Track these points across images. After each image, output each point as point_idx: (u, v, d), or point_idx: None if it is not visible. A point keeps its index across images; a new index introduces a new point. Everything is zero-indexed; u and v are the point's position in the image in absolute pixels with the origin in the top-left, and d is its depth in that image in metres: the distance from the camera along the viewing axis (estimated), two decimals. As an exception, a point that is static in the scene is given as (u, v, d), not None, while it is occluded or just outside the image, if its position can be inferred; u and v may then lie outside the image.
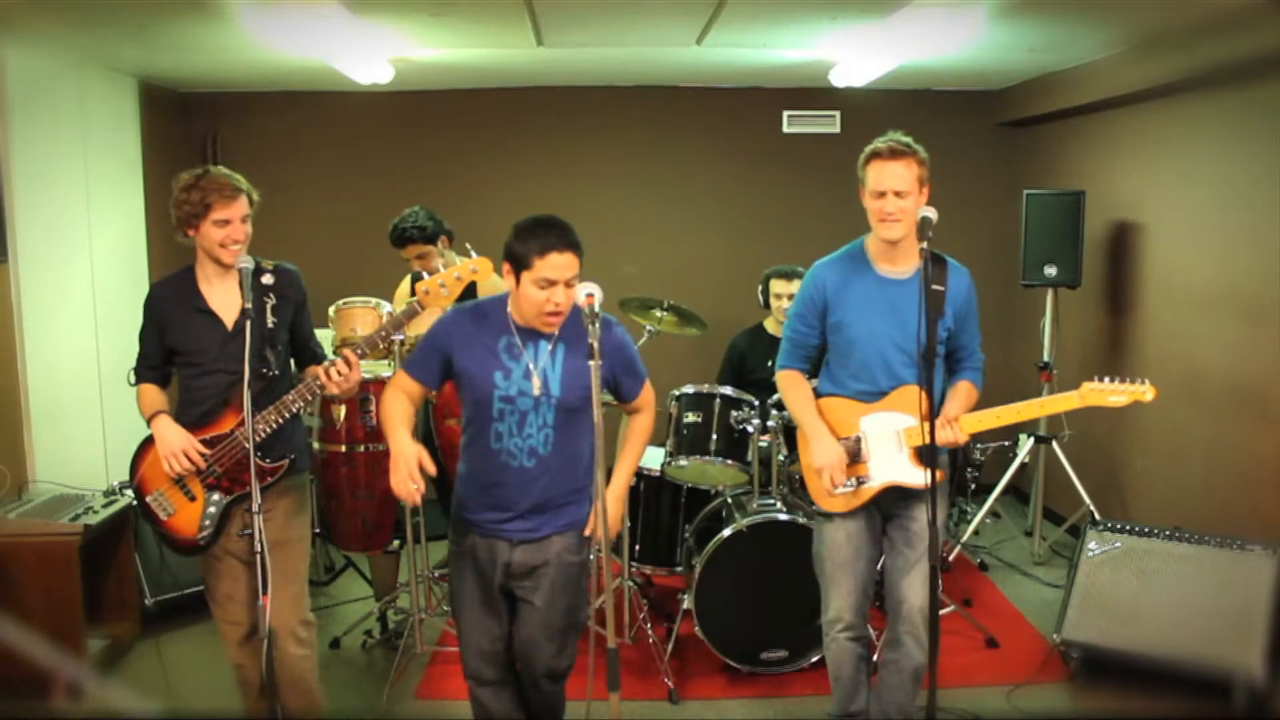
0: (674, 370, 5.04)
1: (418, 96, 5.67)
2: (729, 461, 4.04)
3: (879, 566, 3.14)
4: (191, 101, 5.69)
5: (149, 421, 2.92)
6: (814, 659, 3.83)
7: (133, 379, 3.00)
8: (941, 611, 3.01)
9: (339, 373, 2.87)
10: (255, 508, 2.72)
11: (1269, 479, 3.83)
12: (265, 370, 2.88)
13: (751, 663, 3.84)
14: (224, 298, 2.92)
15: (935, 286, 2.89)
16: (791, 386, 3.09)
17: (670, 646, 3.96)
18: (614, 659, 1.93)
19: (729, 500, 4.14)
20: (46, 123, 4.33)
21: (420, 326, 4.13)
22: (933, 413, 2.70)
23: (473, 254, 2.92)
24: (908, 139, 2.88)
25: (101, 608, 4.06)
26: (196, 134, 5.73)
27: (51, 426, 4.21)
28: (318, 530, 4.41)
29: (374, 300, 3.89)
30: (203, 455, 2.86)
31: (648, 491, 4.28)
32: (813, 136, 5.98)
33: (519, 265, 2.56)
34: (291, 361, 3.09)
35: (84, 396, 4.57)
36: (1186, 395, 4.29)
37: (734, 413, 4.05)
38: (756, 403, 4.08)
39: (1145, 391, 2.81)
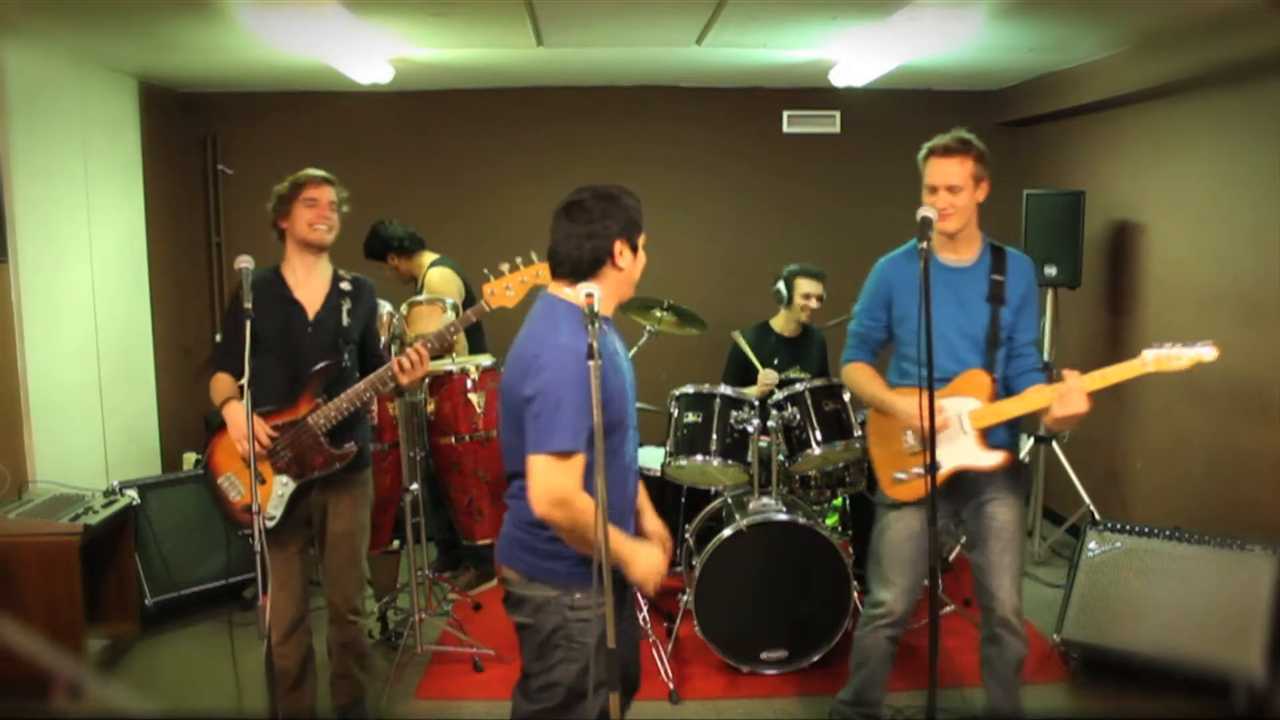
0: (673, 370, 5.04)
1: (418, 96, 5.68)
2: (729, 461, 4.04)
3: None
4: (191, 101, 5.69)
5: (221, 407, 3.12)
6: (814, 659, 3.83)
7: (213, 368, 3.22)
8: (942, 611, 3.02)
9: (410, 363, 3.06)
10: (255, 507, 2.74)
11: (1269, 479, 3.82)
12: (338, 362, 3.12)
13: (751, 663, 3.84)
14: (309, 290, 3.16)
15: (995, 276, 2.96)
16: (862, 374, 3.12)
17: (670, 646, 3.96)
18: (613, 659, 1.93)
19: (729, 500, 4.14)
20: (46, 123, 4.33)
21: (421, 325, 4.14)
22: (933, 401, 2.68)
23: (535, 259, 2.98)
24: (969, 136, 2.93)
25: (101, 608, 4.07)
26: (196, 134, 5.73)
27: (51, 426, 4.21)
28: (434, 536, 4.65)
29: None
30: (272, 438, 3.05)
31: (647, 492, 4.27)
32: (813, 136, 5.98)
33: (636, 232, 2.31)
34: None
35: (84, 396, 4.57)
36: (1186, 395, 4.29)
37: (734, 413, 4.05)
38: (756, 403, 4.08)
39: (1208, 354, 2.75)
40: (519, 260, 3.01)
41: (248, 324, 2.78)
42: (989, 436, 2.93)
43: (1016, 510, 3.05)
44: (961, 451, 2.93)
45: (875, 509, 3.18)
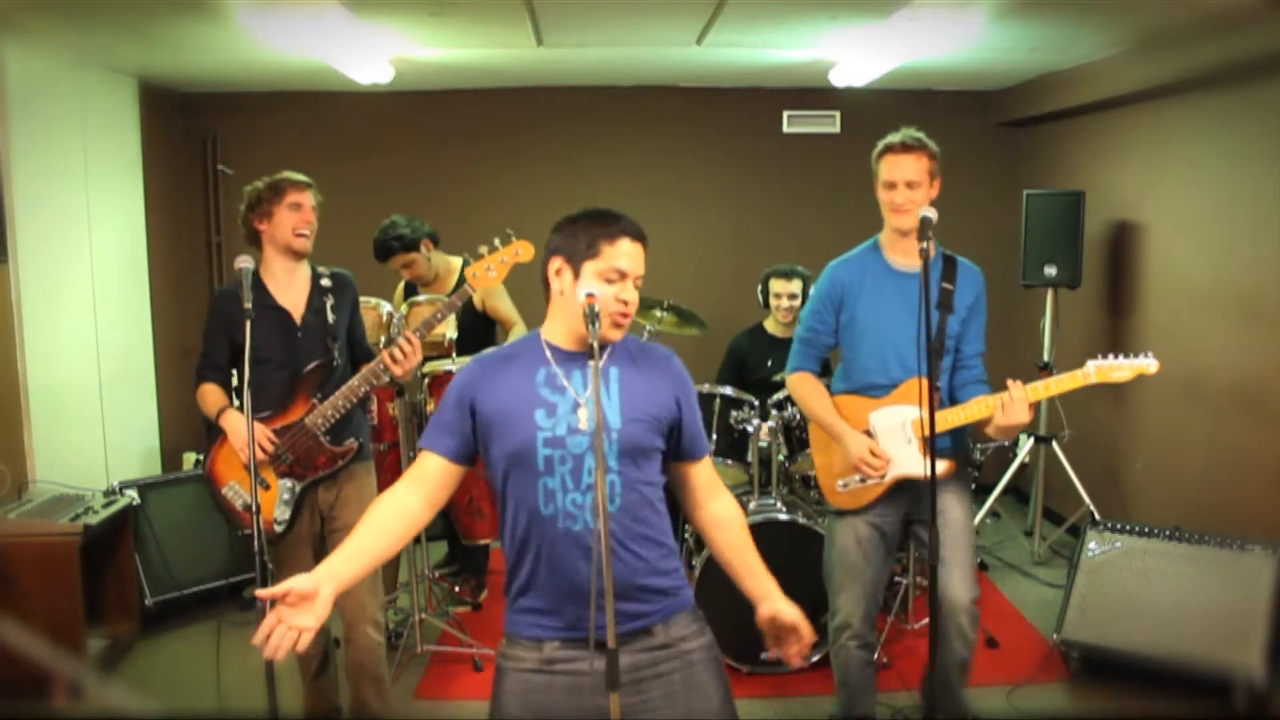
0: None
1: (418, 96, 5.68)
2: (729, 461, 4.04)
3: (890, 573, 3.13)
4: (191, 101, 5.69)
5: (217, 418, 3.07)
6: (814, 659, 3.82)
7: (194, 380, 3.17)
8: (941, 611, 3.01)
9: (402, 353, 3.01)
10: (254, 506, 2.74)
11: (1269, 479, 3.82)
12: (329, 361, 3.09)
13: (751, 663, 3.84)
14: (291, 295, 3.11)
15: (945, 284, 2.94)
16: (807, 387, 3.09)
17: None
18: (614, 659, 1.93)
19: (729, 500, 4.13)
20: (46, 123, 4.32)
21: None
22: (933, 408, 2.69)
23: (513, 237, 3.00)
24: (920, 134, 2.93)
25: (101, 608, 4.06)
26: (196, 134, 5.73)
27: (51, 426, 4.21)
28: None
29: (374, 300, 3.90)
30: (273, 443, 3.02)
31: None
32: (813, 136, 5.98)
33: (580, 255, 2.05)
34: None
35: (84, 396, 4.57)
36: (1186, 395, 4.29)
37: (734, 413, 4.05)
38: (756, 403, 4.08)
39: (1149, 365, 2.78)
40: (497, 241, 3.01)
41: (248, 324, 2.77)
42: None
43: (965, 508, 3.02)
44: (905, 460, 2.92)
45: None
